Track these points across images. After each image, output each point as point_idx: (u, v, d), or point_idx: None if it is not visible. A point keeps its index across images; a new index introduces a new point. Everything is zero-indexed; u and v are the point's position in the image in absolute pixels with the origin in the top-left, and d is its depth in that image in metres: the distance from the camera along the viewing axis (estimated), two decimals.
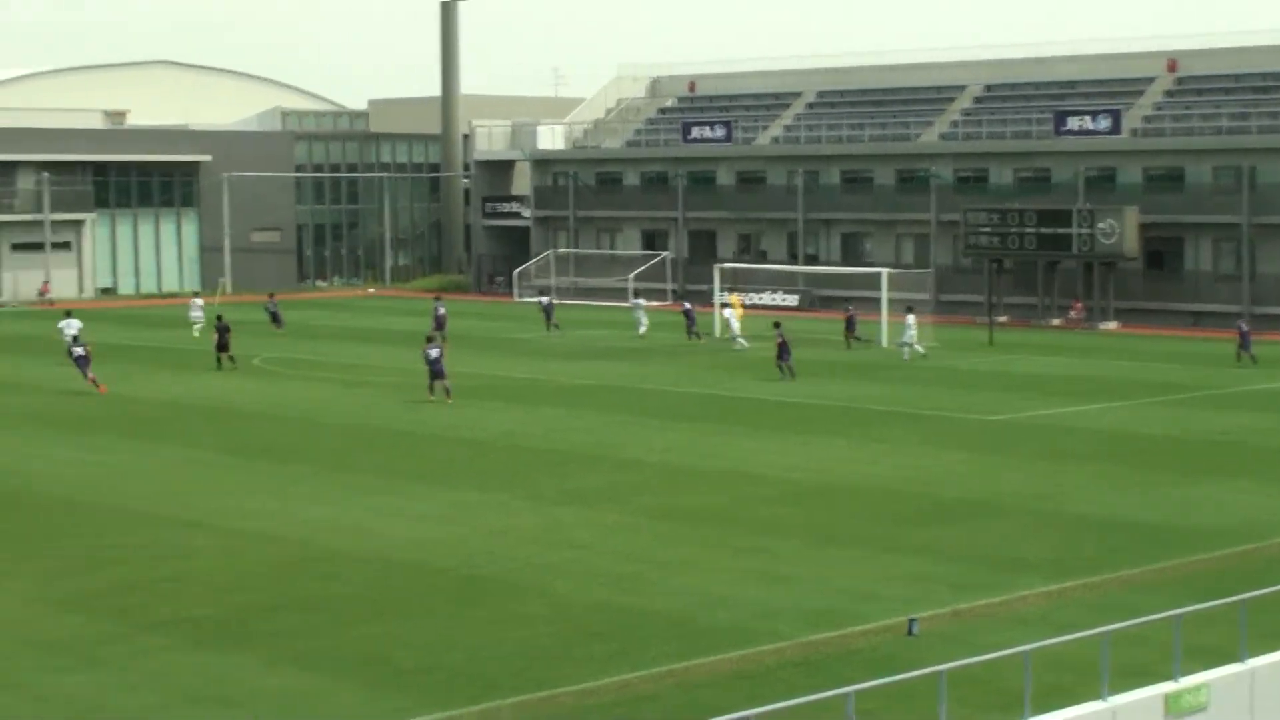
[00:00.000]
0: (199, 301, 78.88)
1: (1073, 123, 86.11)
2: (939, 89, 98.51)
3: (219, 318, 64.02)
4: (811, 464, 41.29)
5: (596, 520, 34.38)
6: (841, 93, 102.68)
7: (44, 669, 23.93)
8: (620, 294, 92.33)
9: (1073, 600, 27.76)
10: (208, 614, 26.85)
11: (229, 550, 31.47)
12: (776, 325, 60.15)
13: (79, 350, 55.37)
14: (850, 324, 69.53)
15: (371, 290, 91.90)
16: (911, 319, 64.94)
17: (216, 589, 28.48)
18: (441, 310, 71.85)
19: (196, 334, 73.42)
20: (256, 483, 38.69)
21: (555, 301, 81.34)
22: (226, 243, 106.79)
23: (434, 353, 52.29)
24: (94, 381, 54.31)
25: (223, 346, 61.67)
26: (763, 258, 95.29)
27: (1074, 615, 26.27)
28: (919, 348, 64.37)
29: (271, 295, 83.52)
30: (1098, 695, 19.37)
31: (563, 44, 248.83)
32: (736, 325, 69.50)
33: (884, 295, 70.34)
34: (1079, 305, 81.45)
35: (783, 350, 58.02)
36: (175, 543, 32.13)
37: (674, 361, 63.97)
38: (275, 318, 76.71)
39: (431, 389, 52.11)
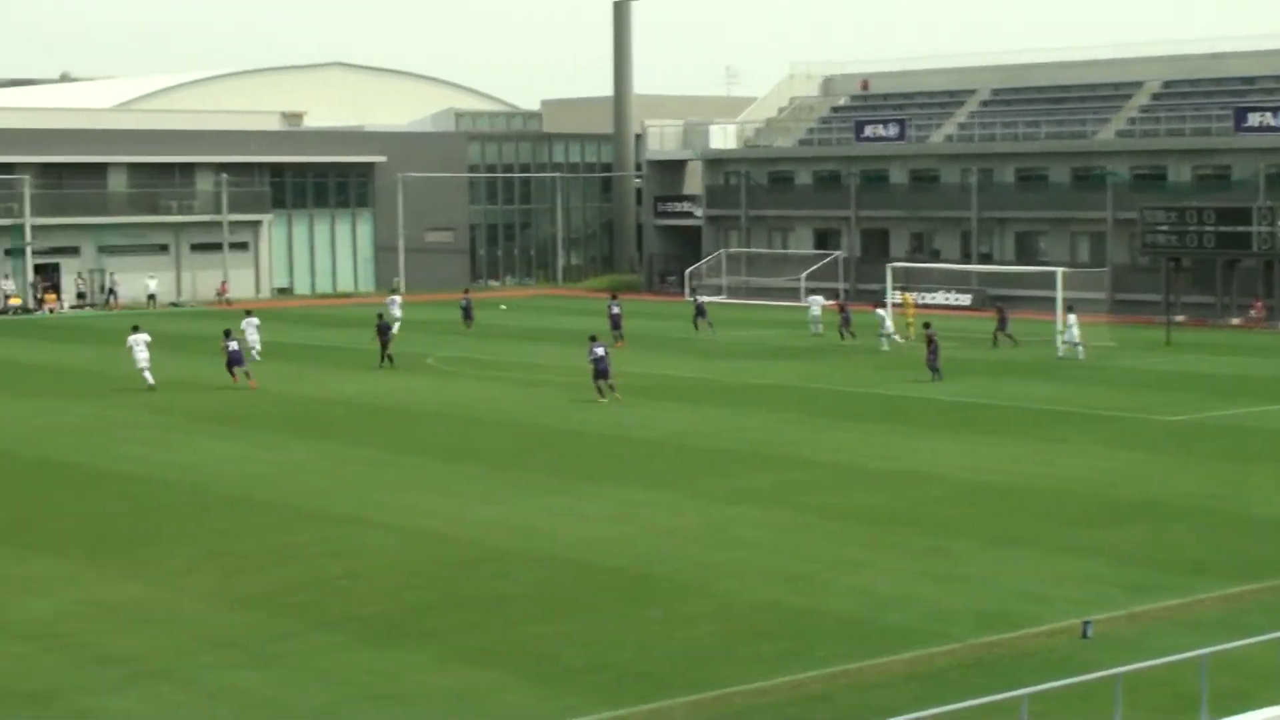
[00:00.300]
0: (397, 299, 79.91)
1: (1253, 119, 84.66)
2: (1116, 86, 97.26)
3: (379, 316, 64.64)
4: (985, 464, 40.85)
5: (766, 520, 34.22)
6: (1016, 90, 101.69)
7: (219, 665, 24.18)
8: (792, 294, 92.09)
9: (1252, 604, 27.21)
10: (379, 611, 27.01)
11: (401, 548, 31.67)
12: (927, 326, 59.38)
13: (232, 345, 56.48)
14: (1002, 322, 68.88)
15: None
16: (1073, 318, 64.18)
17: (388, 587, 28.66)
18: (616, 310, 71.92)
19: (395, 331, 74.14)
20: (428, 481, 38.92)
21: (706, 300, 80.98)
22: (401, 243, 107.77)
23: (599, 351, 52.37)
24: (247, 374, 56.26)
25: (384, 346, 62.55)
26: (935, 257, 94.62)
27: (1253, 619, 25.73)
28: (1080, 348, 63.57)
29: (466, 291, 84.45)
30: (1277, 700, 18.95)
31: (735, 43, 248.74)
32: (890, 324, 68.95)
33: (1059, 294, 69.49)
34: (1259, 304, 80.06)
35: (932, 351, 57.23)
36: (348, 541, 32.38)
37: (843, 361, 63.60)
38: (467, 313, 77.65)
39: (599, 390, 52.18)
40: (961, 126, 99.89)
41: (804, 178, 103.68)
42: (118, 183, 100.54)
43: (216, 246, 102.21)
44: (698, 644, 25.12)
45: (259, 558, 30.93)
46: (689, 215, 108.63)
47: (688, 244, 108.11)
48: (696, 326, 75.12)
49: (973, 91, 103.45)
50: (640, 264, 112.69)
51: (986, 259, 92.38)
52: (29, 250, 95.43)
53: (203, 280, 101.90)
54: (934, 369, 56.99)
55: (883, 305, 70.84)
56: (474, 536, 32.68)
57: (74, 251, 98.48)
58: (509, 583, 29.00)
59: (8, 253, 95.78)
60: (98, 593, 28.33)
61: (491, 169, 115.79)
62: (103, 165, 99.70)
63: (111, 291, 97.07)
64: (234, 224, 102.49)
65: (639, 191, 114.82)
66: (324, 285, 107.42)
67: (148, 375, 56.19)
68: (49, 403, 53.39)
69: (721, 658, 24.42)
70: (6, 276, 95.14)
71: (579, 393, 53.39)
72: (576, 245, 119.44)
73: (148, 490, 38.06)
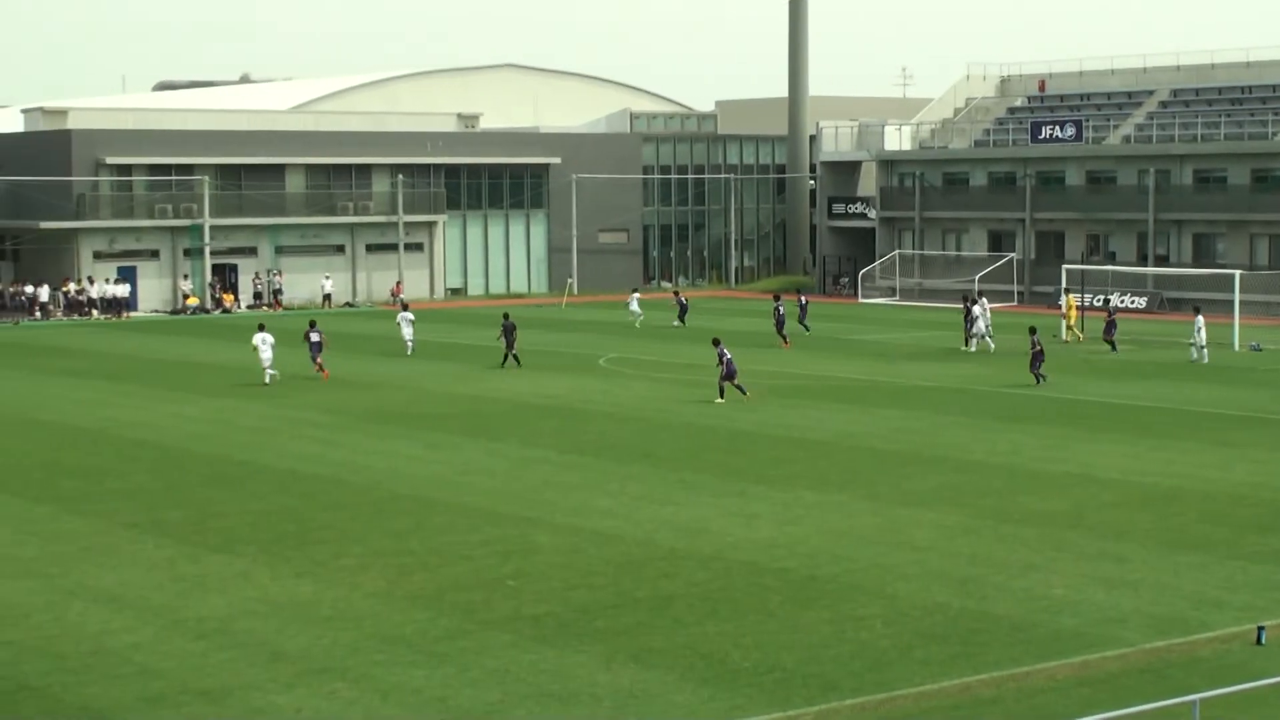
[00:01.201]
0: (637, 295, 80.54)
1: None
2: None
3: (505, 316, 64.78)
4: (1155, 467, 40.29)
5: (936, 522, 33.98)
6: (1196, 90, 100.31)
7: (390, 663, 24.39)
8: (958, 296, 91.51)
9: None
10: (548, 611, 27.13)
11: (570, 548, 31.78)
12: (1032, 331, 57.70)
13: (315, 337, 57.86)
14: (1110, 326, 67.55)
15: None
16: (1200, 320, 63.08)
17: (557, 587, 28.78)
18: (782, 310, 71.79)
19: (638, 325, 75.05)
20: (597, 482, 39.03)
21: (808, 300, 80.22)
22: (574, 243, 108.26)
23: (727, 353, 52.38)
24: (320, 367, 58.63)
25: (510, 346, 62.58)
26: (1111, 259, 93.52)
27: None
28: (1204, 350, 62.49)
29: (677, 293, 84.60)
30: None
31: (911, 43, 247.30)
32: (982, 324, 68.30)
33: (1236, 297, 68.46)
34: None
35: (1035, 359, 56.06)
36: (517, 541, 32.55)
37: (1009, 363, 62.97)
38: (683, 311, 78.18)
39: (721, 390, 52.06)
40: (1139, 127, 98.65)
41: (979, 179, 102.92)
42: (295, 183, 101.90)
43: (391, 247, 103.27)
44: (867, 646, 25.00)
45: (430, 557, 31.18)
46: (863, 217, 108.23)
47: (861, 245, 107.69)
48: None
49: (1151, 92, 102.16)
50: (814, 265, 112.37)
51: (1163, 261, 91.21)
52: (207, 250, 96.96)
53: (377, 281, 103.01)
54: (1037, 375, 55.90)
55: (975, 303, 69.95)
56: (643, 537, 32.74)
57: (251, 252, 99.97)
58: (677, 583, 29.01)
59: (186, 253, 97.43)
60: (270, 591, 28.69)
61: (665, 170, 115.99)
62: (280, 166, 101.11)
63: (276, 292, 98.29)
64: (409, 225, 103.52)
65: (813, 193, 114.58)
66: (497, 286, 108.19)
67: (270, 373, 58.31)
68: (225, 402, 54.17)
69: (890, 660, 24.29)
70: (186, 277, 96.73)
71: (751, 394, 53.23)
72: (749, 246, 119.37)
73: (321, 489, 38.50)
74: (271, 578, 29.61)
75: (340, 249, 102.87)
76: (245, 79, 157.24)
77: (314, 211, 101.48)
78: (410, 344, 67.52)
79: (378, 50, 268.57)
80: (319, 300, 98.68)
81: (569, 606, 27.45)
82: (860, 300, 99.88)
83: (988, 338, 66.73)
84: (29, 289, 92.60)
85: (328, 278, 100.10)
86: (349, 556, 31.19)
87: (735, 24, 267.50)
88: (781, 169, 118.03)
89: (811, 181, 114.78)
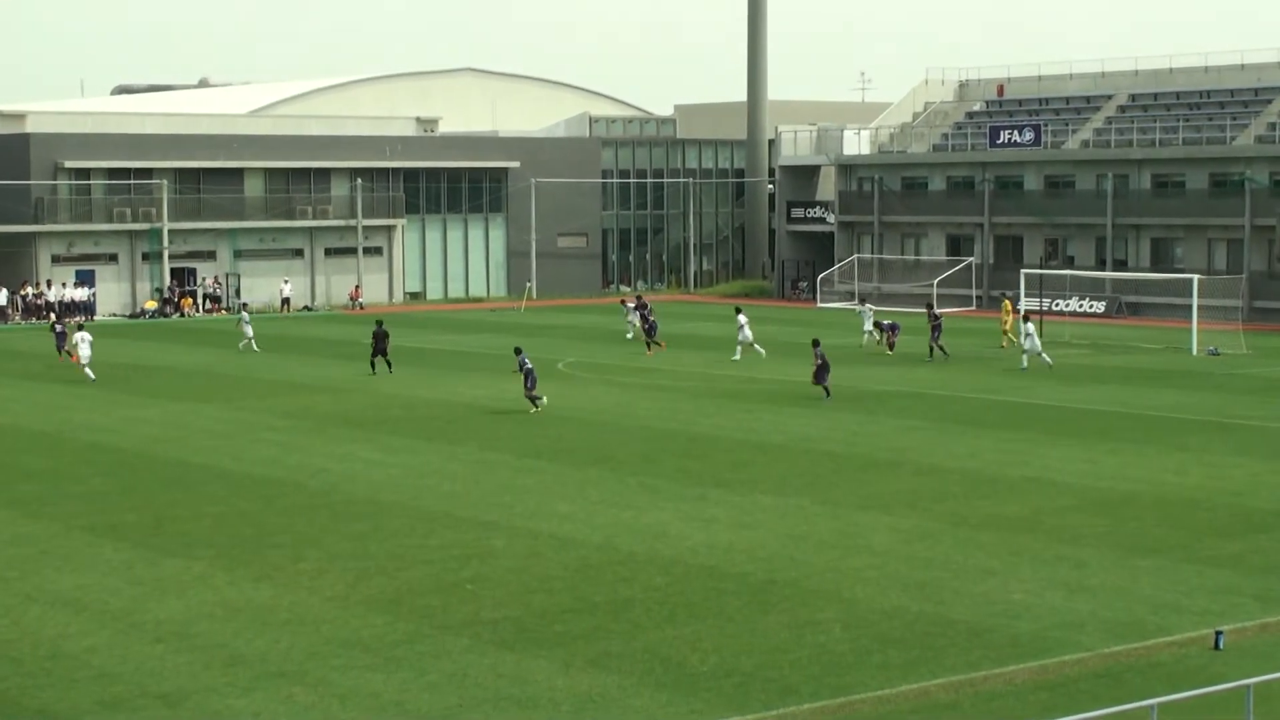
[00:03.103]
0: (631, 305, 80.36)
1: None
2: (1255, 91, 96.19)
3: (379, 322, 63.91)
4: (1113, 472, 40.44)
5: (894, 526, 34.06)
6: (1154, 95, 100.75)
7: (348, 667, 24.36)
8: (923, 300, 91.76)
9: None
10: (507, 615, 27.11)
11: (528, 552, 31.78)
12: (815, 344, 55.38)
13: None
14: (935, 330, 66.75)
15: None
16: (1031, 326, 62.91)
17: (515, 591, 28.77)
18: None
19: (629, 336, 74.67)
20: (555, 486, 39.03)
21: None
22: (533, 248, 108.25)
23: (528, 363, 51.90)
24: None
25: (380, 351, 61.60)
26: (1070, 263, 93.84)
27: None
28: (1036, 356, 62.14)
29: (640, 296, 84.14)
30: None
31: (869, 48, 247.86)
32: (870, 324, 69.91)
33: (1195, 302, 68.74)
34: None
35: (820, 371, 54.30)
36: (476, 544, 32.53)
37: (969, 368, 63.19)
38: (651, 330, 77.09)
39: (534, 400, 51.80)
40: (1097, 132, 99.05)
41: (937, 184, 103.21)
42: (253, 187, 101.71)
43: (350, 251, 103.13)
44: (825, 650, 25.04)
45: (388, 561, 31.14)
46: (821, 221, 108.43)
47: (820, 250, 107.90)
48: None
49: (1109, 97, 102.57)
50: (772, 270, 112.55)
51: (1121, 266, 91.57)
52: (166, 254, 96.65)
53: (336, 285, 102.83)
54: (825, 388, 54.40)
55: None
56: (601, 541, 32.75)
57: (210, 256, 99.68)
58: (635, 587, 29.02)
59: (145, 257, 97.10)
60: (228, 594, 28.63)
61: (624, 174, 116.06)
62: (239, 170, 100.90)
63: (206, 296, 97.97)
64: (368, 229, 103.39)
65: (771, 197, 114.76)
66: (456, 290, 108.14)
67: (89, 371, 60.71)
68: (182, 406, 54.02)
69: (849, 664, 24.34)
70: (161, 290, 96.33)
71: (708, 398, 53.30)
72: (709, 251, 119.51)
73: (278, 493, 38.43)
74: (229, 581, 29.54)
75: (299, 253, 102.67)
76: (204, 83, 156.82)
77: (273, 215, 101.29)
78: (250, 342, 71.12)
79: (337, 54, 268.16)
80: (277, 304, 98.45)
81: (527, 611, 27.44)
82: (819, 305, 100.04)
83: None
84: None
85: (286, 281, 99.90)
86: (307, 560, 31.14)
87: (694, 28, 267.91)
88: (740, 173, 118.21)
89: (770, 186, 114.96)
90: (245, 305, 75.41)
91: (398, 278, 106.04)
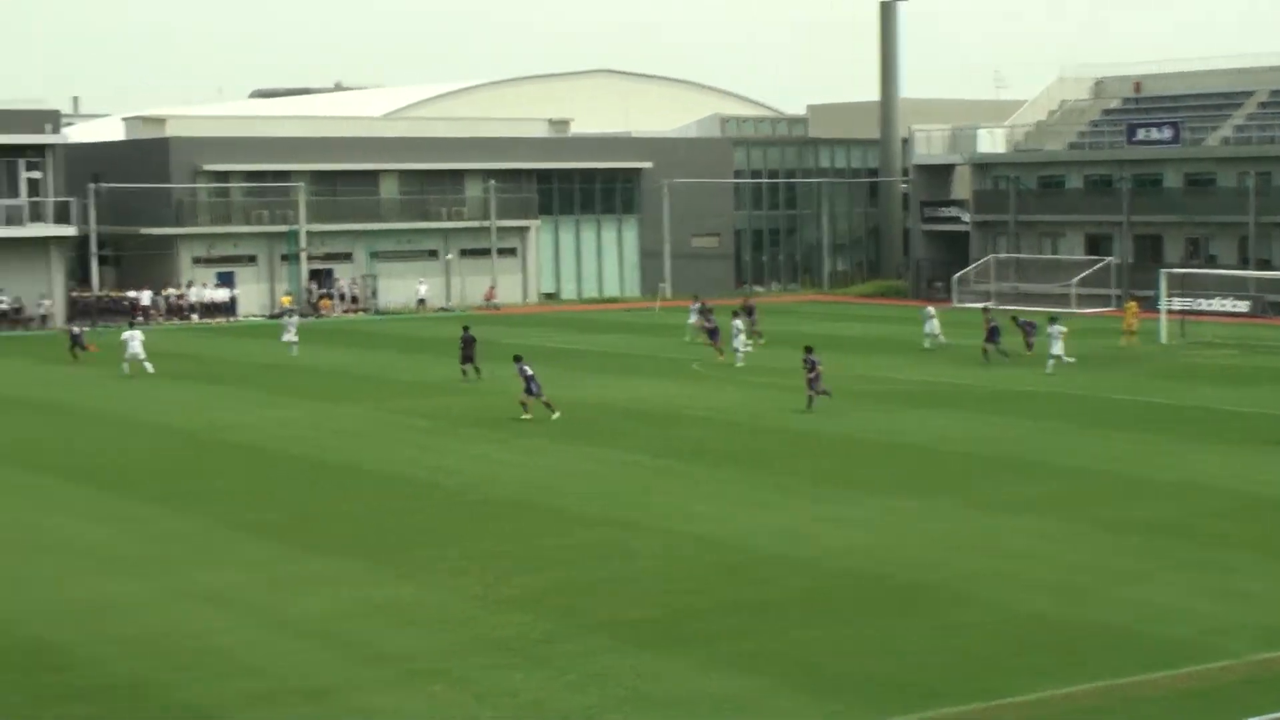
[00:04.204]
0: (695, 306, 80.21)
1: None
2: None
3: (465, 327, 63.36)
4: (1265, 476, 39.78)
5: (1038, 529, 33.71)
6: None
7: (488, 665, 24.43)
8: (1062, 300, 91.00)
9: None
10: (646, 615, 27.09)
11: (667, 553, 31.74)
12: (809, 350, 52.85)
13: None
14: (992, 333, 65.53)
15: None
16: (1055, 329, 62.11)
17: (655, 591, 28.74)
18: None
19: (687, 340, 74.29)
20: (693, 486, 38.98)
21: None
22: (666, 248, 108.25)
23: (528, 370, 51.21)
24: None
25: (468, 358, 60.73)
26: (1211, 262, 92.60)
27: None
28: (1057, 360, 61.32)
29: (746, 299, 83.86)
30: None
31: (1004, 45, 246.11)
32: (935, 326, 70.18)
33: None
34: None
35: (813, 382, 51.93)
36: (615, 544, 32.55)
37: (1106, 369, 62.48)
38: (751, 314, 76.29)
39: (524, 405, 50.97)
40: (1238, 129, 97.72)
41: (1074, 182, 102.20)
42: (389, 189, 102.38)
43: (485, 252, 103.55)
44: (966, 654, 24.83)
45: (528, 560, 31.22)
46: (956, 220, 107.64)
47: (955, 249, 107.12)
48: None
49: (1250, 93, 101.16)
50: (907, 270, 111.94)
51: (1265, 265, 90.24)
52: (304, 256, 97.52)
53: (471, 285, 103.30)
54: (813, 395, 51.84)
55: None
56: (740, 542, 32.67)
57: (347, 257, 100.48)
58: (775, 588, 28.92)
59: (283, 258, 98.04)
60: (372, 592, 28.81)
61: (757, 174, 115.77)
62: (374, 172, 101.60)
63: (341, 296, 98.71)
64: (502, 230, 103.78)
65: (905, 196, 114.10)
66: (590, 290, 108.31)
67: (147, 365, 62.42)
68: (322, 405, 54.46)
69: (991, 668, 24.11)
70: (313, 291, 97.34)
71: (846, 400, 53.03)
72: (842, 251, 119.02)
73: (419, 492, 38.66)
74: (371, 579, 29.73)
75: (434, 254, 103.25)
76: (339, 86, 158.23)
77: (408, 217, 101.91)
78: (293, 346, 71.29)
79: (470, 57, 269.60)
80: (414, 305, 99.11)
81: (667, 611, 27.41)
82: (955, 304, 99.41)
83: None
84: (131, 294, 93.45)
85: (422, 283, 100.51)
86: (447, 559, 31.27)
87: (827, 27, 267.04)
88: (874, 173, 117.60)
89: (905, 185, 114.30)
90: (290, 310, 76.15)
91: (532, 278, 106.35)
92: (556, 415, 50.02)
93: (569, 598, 28.31)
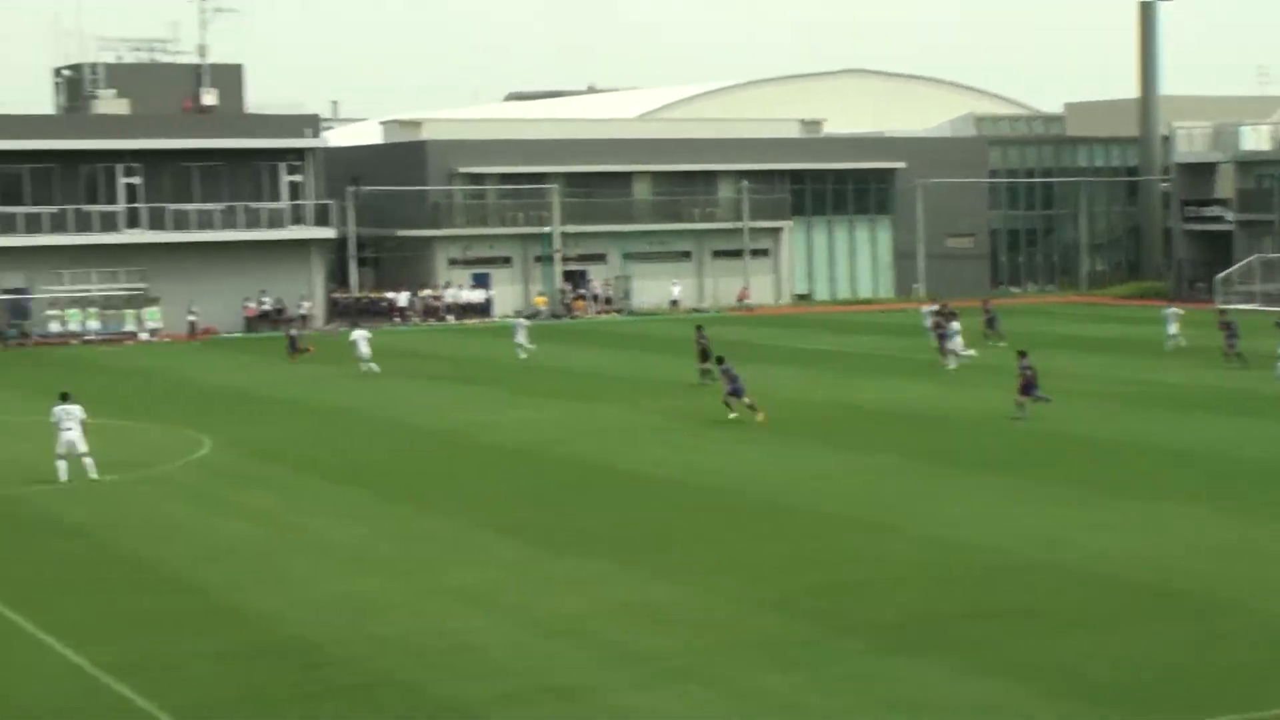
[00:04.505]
0: (930, 309, 79.58)
1: None
2: None
3: (698, 328, 62.40)
4: None
5: None
6: None
7: (744, 666, 24.38)
8: None
9: None
10: (901, 619, 26.86)
11: (923, 557, 31.44)
12: (1022, 355, 51.59)
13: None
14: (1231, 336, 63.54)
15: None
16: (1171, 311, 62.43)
17: (910, 595, 28.49)
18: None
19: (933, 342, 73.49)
20: (949, 489, 38.58)
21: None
22: (920, 249, 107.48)
23: (734, 372, 51.01)
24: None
25: (705, 358, 59.62)
26: None
27: None
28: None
29: (986, 301, 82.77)
30: None
31: (1267, 40, 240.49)
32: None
33: None
34: None
35: (1027, 385, 49.97)
36: (871, 547, 32.33)
37: None
38: (991, 323, 75.50)
39: (729, 405, 50.56)
40: None
41: None
42: (642, 191, 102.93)
43: (737, 253, 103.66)
44: (1232, 664, 24.24)
45: (784, 562, 31.13)
46: (1219, 220, 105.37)
47: (1217, 249, 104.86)
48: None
49: None
50: (1168, 270, 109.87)
51: None
52: (558, 257, 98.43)
53: (724, 286, 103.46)
54: (1026, 401, 49.97)
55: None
56: (996, 546, 32.26)
57: (600, 258, 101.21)
58: (1032, 594, 28.49)
59: (538, 259, 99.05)
60: (625, 592, 28.91)
61: (1013, 174, 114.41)
62: (628, 174, 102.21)
63: (595, 297, 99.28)
64: (755, 231, 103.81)
65: (1166, 195, 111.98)
66: (843, 291, 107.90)
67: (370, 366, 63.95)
68: (576, 405, 54.84)
69: (1258, 679, 23.48)
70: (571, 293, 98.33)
71: (1113, 403, 52.11)
72: (1100, 251, 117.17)
73: (673, 492, 38.75)
74: (625, 579, 29.84)
75: (687, 255, 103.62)
76: (592, 89, 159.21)
77: (661, 218, 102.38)
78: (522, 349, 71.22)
79: (721, 58, 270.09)
80: (666, 306, 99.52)
81: (922, 615, 27.15)
82: (1218, 306, 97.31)
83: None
84: (389, 294, 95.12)
85: (675, 284, 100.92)
86: (703, 560, 31.29)
87: (1084, 24, 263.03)
88: (1133, 171, 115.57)
89: (1165, 184, 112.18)
90: (520, 313, 76.85)
91: (785, 279, 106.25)
92: (760, 418, 49.74)
93: (825, 600, 28.17)
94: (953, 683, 23.51)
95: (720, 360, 52.62)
